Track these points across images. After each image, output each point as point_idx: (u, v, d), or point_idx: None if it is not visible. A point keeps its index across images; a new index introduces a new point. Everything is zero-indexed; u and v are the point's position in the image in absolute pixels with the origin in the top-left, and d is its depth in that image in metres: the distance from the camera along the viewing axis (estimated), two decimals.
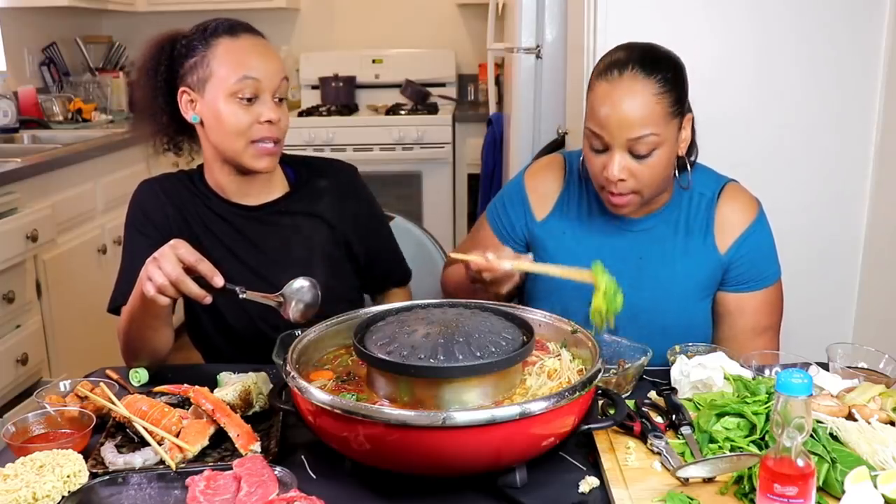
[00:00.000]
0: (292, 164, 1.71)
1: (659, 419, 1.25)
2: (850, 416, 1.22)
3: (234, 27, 1.55)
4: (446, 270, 1.80)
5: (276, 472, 1.09)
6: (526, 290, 1.69)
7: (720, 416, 1.20)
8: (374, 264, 1.74)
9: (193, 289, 1.31)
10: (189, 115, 1.56)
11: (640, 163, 1.44)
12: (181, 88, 1.55)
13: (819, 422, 1.17)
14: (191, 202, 1.62)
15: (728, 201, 1.58)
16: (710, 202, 1.58)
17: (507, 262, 1.41)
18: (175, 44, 1.57)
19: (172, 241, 1.33)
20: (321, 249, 1.65)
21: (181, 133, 1.64)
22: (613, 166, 1.44)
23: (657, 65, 1.44)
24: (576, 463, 1.18)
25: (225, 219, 1.62)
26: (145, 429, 1.20)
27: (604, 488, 1.11)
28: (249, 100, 1.51)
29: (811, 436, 1.08)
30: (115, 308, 1.56)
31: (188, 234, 1.59)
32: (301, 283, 1.37)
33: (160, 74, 1.57)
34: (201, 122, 1.55)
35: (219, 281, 1.32)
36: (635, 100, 1.41)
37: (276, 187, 1.66)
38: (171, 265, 1.30)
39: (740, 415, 1.19)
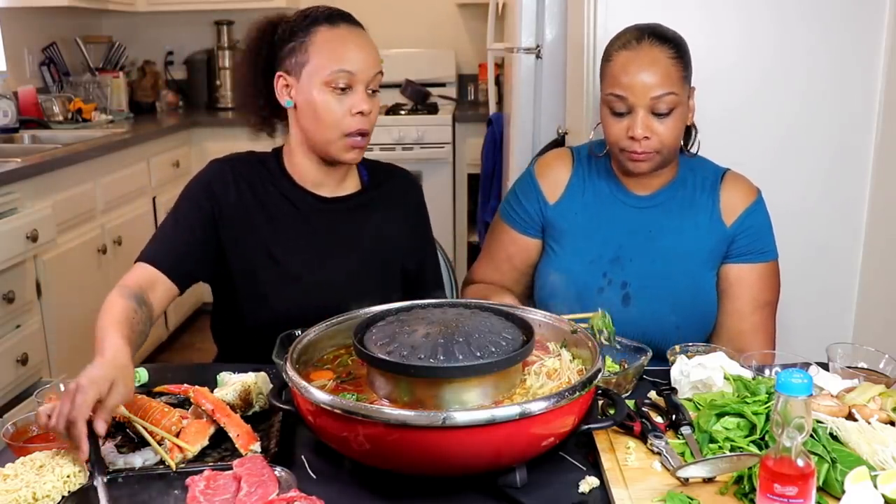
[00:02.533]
0: (366, 165, 1.73)
1: (659, 419, 1.25)
2: (850, 416, 1.22)
3: (332, 16, 1.57)
4: (469, 288, 1.83)
5: (276, 472, 1.09)
6: (534, 276, 1.76)
7: (720, 416, 1.20)
8: (417, 283, 1.76)
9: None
10: (284, 99, 1.58)
11: (661, 122, 1.56)
12: (278, 73, 1.57)
13: (819, 422, 1.17)
14: (261, 186, 1.63)
15: (731, 185, 1.69)
16: (714, 183, 1.69)
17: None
18: (277, 27, 1.60)
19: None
20: (377, 253, 1.67)
21: (276, 116, 1.66)
22: (637, 125, 1.55)
23: (668, 36, 1.59)
24: (576, 463, 1.18)
25: (295, 204, 1.64)
26: (145, 429, 1.20)
27: (604, 488, 1.11)
28: (343, 90, 1.53)
29: (811, 436, 1.08)
30: (139, 260, 1.55)
31: (259, 217, 1.61)
32: None
33: (261, 57, 1.60)
34: (294, 107, 1.58)
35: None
36: (655, 63, 1.55)
37: (350, 183, 1.69)
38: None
39: (740, 415, 1.19)
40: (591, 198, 1.70)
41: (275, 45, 1.59)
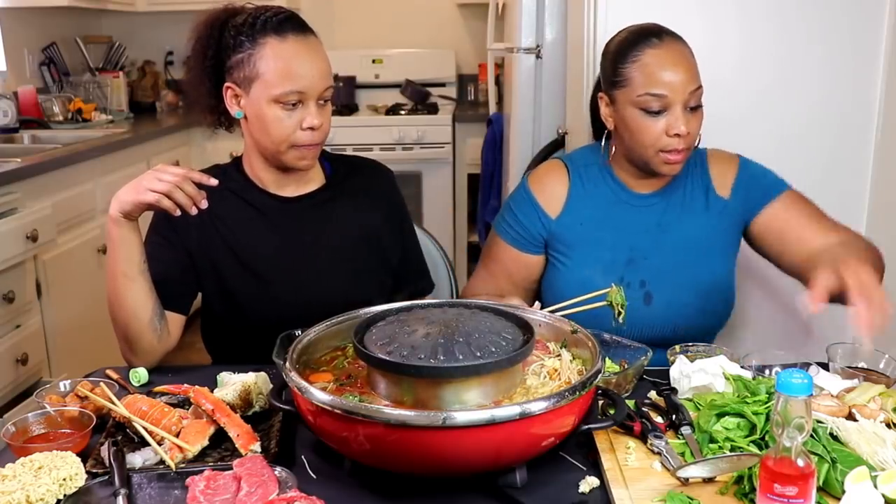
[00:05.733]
0: (330, 159, 1.72)
1: (659, 419, 1.25)
2: (850, 416, 1.22)
3: (282, 25, 1.52)
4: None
5: (276, 472, 1.09)
6: (543, 289, 1.75)
7: (720, 416, 1.20)
8: (398, 270, 1.74)
9: (192, 190, 1.40)
10: (234, 109, 1.56)
11: (693, 116, 1.56)
12: (227, 83, 1.55)
13: (819, 422, 1.17)
14: (220, 200, 1.59)
15: (715, 160, 1.72)
16: (702, 164, 1.71)
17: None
18: (224, 29, 1.55)
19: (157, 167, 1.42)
20: (348, 246, 1.66)
21: (229, 113, 1.63)
22: (680, 122, 1.53)
23: (675, 32, 1.59)
24: (576, 463, 1.18)
25: (258, 208, 1.63)
26: (145, 429, 1.20)
27: (604, 488, 1.11)
28: (294, 104, 1.51)
29: (811, 436, 1.08)
30: None
31: (222, 228, 1.61)
32: None
33: (208, 60, 1.58)
34: (245, 117, 1.57)
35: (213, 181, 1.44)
36: (685, 58, 1.56)
37: (312, 180, 1.67)
38: (172, 171, 1.40)
39: (740, 415, 1.19)
40: (594, 205, 1.69)
41: (221, 49, 1.55)
